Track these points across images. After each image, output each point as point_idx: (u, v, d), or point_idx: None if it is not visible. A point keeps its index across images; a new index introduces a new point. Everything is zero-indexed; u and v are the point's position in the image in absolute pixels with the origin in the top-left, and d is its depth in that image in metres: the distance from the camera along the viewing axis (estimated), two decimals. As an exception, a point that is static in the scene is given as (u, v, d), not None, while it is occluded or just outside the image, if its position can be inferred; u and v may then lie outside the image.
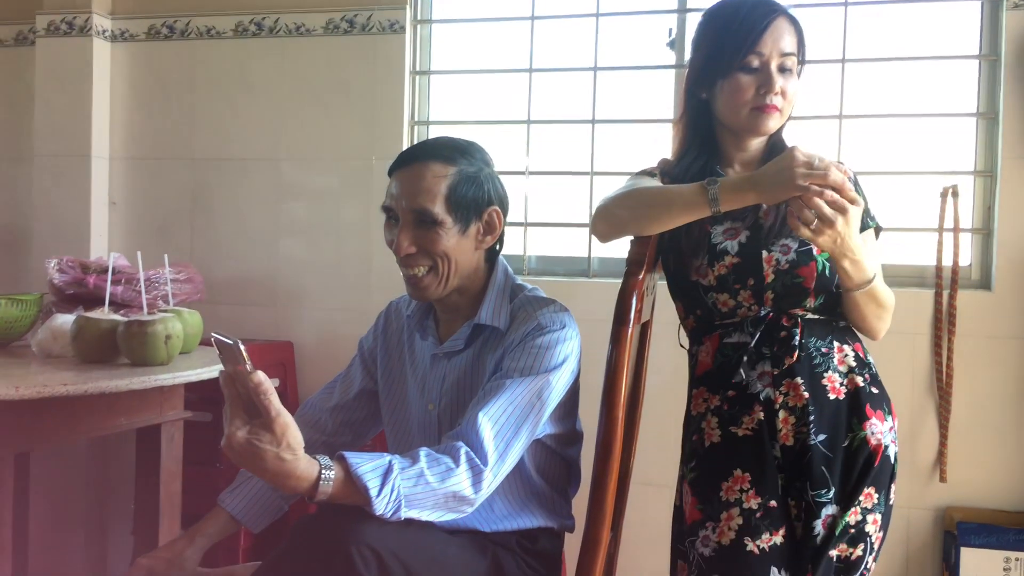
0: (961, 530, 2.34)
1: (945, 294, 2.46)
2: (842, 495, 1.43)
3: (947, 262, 2.47)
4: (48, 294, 2.31)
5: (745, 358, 1.47)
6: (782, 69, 1.48)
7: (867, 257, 1.39)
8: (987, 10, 2.52)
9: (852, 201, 1.30)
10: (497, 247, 1.53)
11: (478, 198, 1.45)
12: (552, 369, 1.39)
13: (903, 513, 2.45)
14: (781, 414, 1.46)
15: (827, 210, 1.28)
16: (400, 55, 2.83)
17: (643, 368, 1.71)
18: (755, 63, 1.47)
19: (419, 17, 2.90)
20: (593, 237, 1.53)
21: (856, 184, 1.52)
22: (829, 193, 1.28)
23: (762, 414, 1.46)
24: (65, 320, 1.96)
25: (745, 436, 1.47)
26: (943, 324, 2.45)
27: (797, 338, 1.45)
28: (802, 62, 1.52)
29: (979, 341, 2.45)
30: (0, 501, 1.66)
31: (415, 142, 2.82)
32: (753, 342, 1.47)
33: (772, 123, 1.51)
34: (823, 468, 1.43)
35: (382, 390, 1.61)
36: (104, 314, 1.92)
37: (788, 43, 1.48)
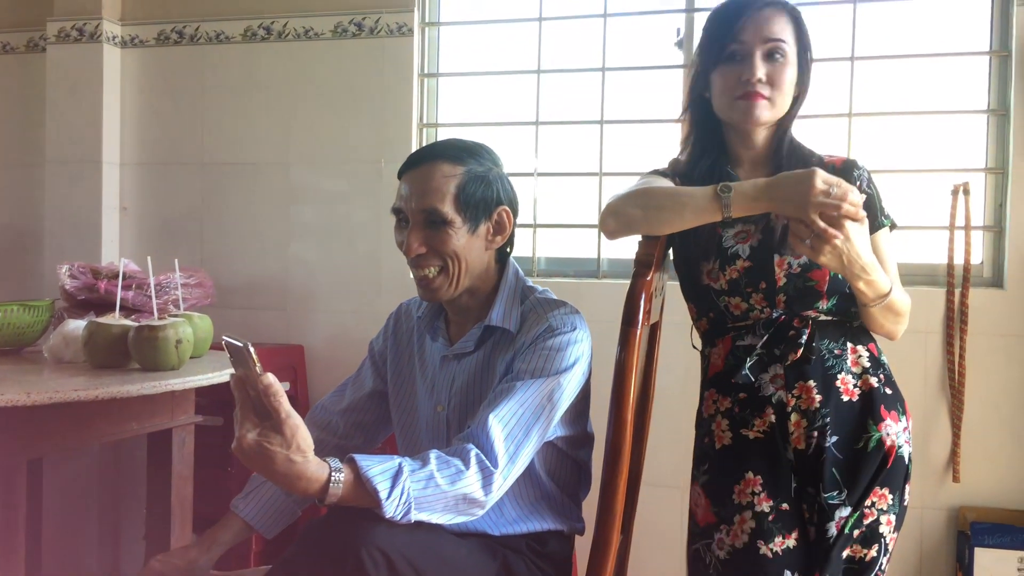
0: (975, 530, 2.33)
1: (957, 292, 2.44)
2: (854, 496, 1.43)
3: (959, 260, 2.46)
4: (60, 299, 2.33)
5: (749, 361, 1.47)
6: (769, 56, 1.46)
7: (880, 274, 1.38)
8: (997, 6, 2.51)
9: (854, 218, 1.29)
10: (508, 248, 1.53)
11: (487, 197, 1.45)
12: (563, 371, 1.39)
13: (916, 513, 2.43)
14: (793, 417, 1.45)
15: (820, 224, 1.27)
16: (408, 58, 2.83)
17: (653, 369, 1.70)
18: (737, 52, 1.47)
19: (427, 20, 2.90)
20: (602, 234, 1.52)
21: (870, 182, 1.52)
22: (818, 221, 1.29)
23: (773, 417, 1.46)
24: (76, 325, 1.97)
25: (756, 439, 1.47)
26: (955, 322, 2.44)
27: (804, 338, 1.45)
28: (804, 51, 1.50)
29: (992, 339, 2.43)
30: (13, 506, 1.67)
31: (424, 144, 2.83)
32: (761, 343, 1.47)
33: (760, 112, 1.47)
34: (834, 470, 1.42)
35: (392, 391, 1.62)
36: (115, 319, 1.93)
37: (775, 30, 1.46)
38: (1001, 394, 2.44)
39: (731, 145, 1.56)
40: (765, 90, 1.46)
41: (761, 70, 1.45)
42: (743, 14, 1.46)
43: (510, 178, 1.52)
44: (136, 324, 1.88)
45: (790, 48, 1.47)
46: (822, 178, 1.29)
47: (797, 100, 1.53)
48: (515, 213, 1.51)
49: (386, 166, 2.83)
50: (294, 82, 2.92)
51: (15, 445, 1.64)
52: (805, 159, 1.52)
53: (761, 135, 1.53)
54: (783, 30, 1.47)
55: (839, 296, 1.47)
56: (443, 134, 2.89)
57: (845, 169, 1.51)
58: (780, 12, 1.48)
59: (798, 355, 1.44)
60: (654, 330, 1.68)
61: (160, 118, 3.04)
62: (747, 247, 1.48)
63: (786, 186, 1.31)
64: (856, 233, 1.30)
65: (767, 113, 1.48)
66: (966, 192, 2.46)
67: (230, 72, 2.97)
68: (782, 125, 1.53)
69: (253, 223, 2.97)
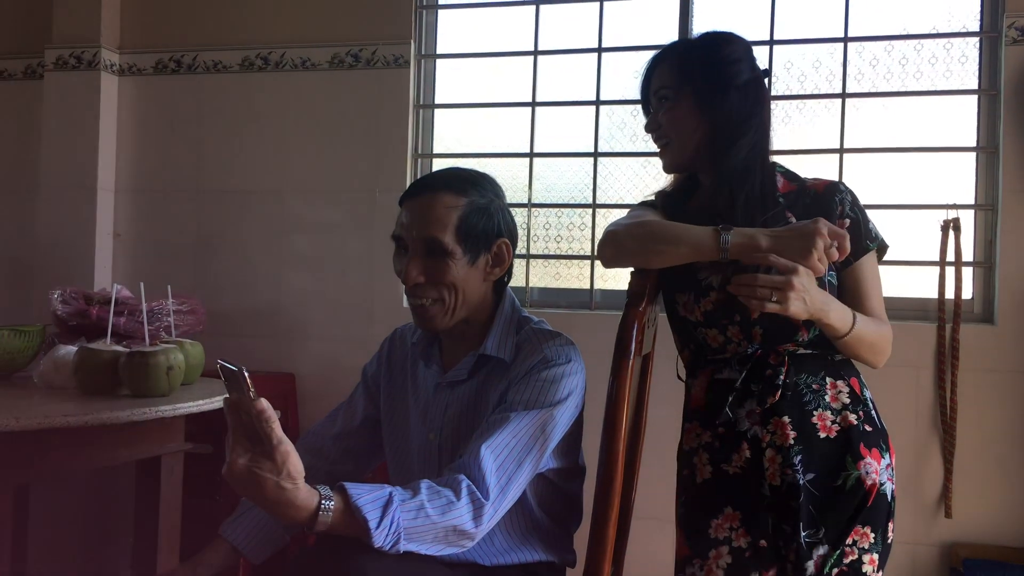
0: (967, 567, 2.32)
1: (948, 327, 2.45)
2: (832, 534, 1.41)
3: (949, 295, 2.47)
4: (51, 325, 2.32)
5: (730, 397, 1.46)
6: (659, 105, 1.55)
7: (840, 309, 1.40)
8: (986, 45, 2.55)
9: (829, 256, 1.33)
10: (505, 279, 1.54)
11: (488, 229, 1.45)
12: (556, 403, 1.39)
13: (908, 549, 2.43)
14: (767, 453, 1.44)
15: (778, 279, 1.31)
16: (404, 89, 2.86)
17: (644, 401, 1.70)
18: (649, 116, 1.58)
19: (423, 52, 2.93)
20: (598, 261, 1.54)
21: (853, 205, 1.50)
22: (773, 257, 1.32)
23: (748, 452, 1.45)
24: (67, 351, 1.96)
25: (736, 474, 1.46)
26: (946, 358, 2.44)
27: (781, 377, 1.44)
28: (701, 84, 1.50)
29: (983, 375, 2.44)
30: (-1, 532, 1.65)
31: (418, 175, 2.85)
32: (739, 380, 1.46)
33: (664, 158, 1.57)
34: (811, 507, 1.41)
35: (384, 416, 1.61)
36: (106, 345, 1.93)
37: (660, 80, 1.55)
38: (993, 430, 2.44)
39: (703, 183, 1.59)
40: (663, 137, 1.56)
41: (651, 123, 1.57)
42: (643, 88, 1.60)
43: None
44: (127, 350, 1.87)
45: (675, 90, 1.52)
46: (826, 228, 1.34)
47: (724, 128, 1.49)
48: (514, 245, 1.51)
49: (380, 196, 2.84)
50: (290, 112, 2.94)
51: (3, 470, 1.63)
52: (769, 187, 1.50)
53: (706, 174, 1.55)
54: (663, 76, 1.55)
55: (819, 328, 1.46)
56: (437, 165, 2.91)
57: (827, 193, 1.50)
58: (662, 63, 1.56)
59: (776, 398, 1.43)
60: (646, 361, 1.68)
61: (156, 145, 3.05)
62: (720, 279, 1.47)
63: (792, 236, 1.35)
64: (808, 277, 1.33)
65: (667, 157, 1.58)
66: (956, 228, 2.48)
67: (227, 101, 2.99)
68: (719, 157, 1.50)
69: (246, 251, 2.97)
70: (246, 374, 1.12)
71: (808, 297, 1.32)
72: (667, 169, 1.59)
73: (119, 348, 1.91)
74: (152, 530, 1.97)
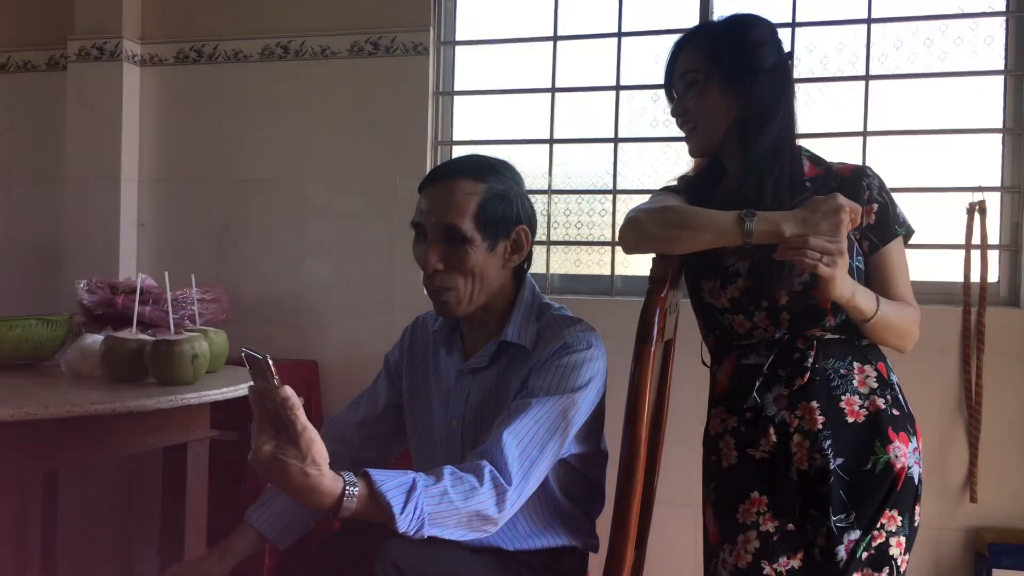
0: (993, 551, 2.30)
1: (973, 311, 2.43)
2: (864, 519, 1.40)
3: (975, 279, 2.44)
4: (77, 314, 2.34)
5: (758, 382, 1.46)
6: (687, 90, 1.52)
7: (864, 292, 1.40)
8: (1012, 25, 2.51)
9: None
10: (525, 265, 1.54)
11: (507, 216, 1.45)
12: (578, 389, 1.39)
13: (933, 534, 2.41)
14: (795, 438, 1.43)
15: (829, 245, 1.31)
16: (424, 76, 2.86)
17: (667, 386, 1.70)
18: (673, 96, 1.57)
19: (443, 39, 2.92)
20: (620, 247, 1.54)
21: (880, 190, 1.50)
22: (811, 239, 1.32)
23: (775, 437, 1.45)
24: (94, 340, 1.99)
25: (762, 459, 1.46)
26: (972, 342, 2.42)
27: (810, 360, 1.43)
28: (732, 68, 1.48)
29: (1009, 359, 2.41)
30: (28, 519, 1.68)
31: (438, 162, 2.85)
32: (767, 365, 1.46)
33: (691, 143, 1.56)
34: (841, 492, 1.40)
35: (407, 404, 1.62)
36: (132, 334, 1.94)
37: (684, 65, 1.53)
38: (1018, 413, 2.41)
39: (727, 168, 1.58)
40: (690, 121, 1.54)
41: (678, 107, 1.54)
42: (668, 69, 1.57)
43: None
44: (153, 339, 1.89)
45: (704, 74, 1.50)
46: (846, 201, 1.34)
47: (753, 113, 1.48)
48: (533, 232, 1.51)
49: (400, 184, 2.85)
50: (310, 100, 2.95)
51: (32, 457, 1.65)
52: (797, 172, 1.50)
53: (732, 159, 1.54)
54: (691, 61, 1.52)
55: (846, 313, 1.45)
56: (457, 152, 2.91)
57: (854, 177, 1.49)
58: (687, 46, 1.53)
59: (805, 379, 1.43)
60: (668, 347, 1.68)
61: (178, 135, 3.07)
62: (747, 264, 1.47)
63: (816, 217, 1.34)
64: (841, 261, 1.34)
65: (694, 142, 1.56)
66: (982, 211, 2.45)
67: (247, 90, 3.00)
68: (747, 142, 1.49)
69: (269, 239, 2.99)
70: (270, 362, 1.13)
71: (842, 279, 1.33)
72: (693, 154, 1.58)
73: (145, 337, 1.93)
74: (179, 516, 2.00)
